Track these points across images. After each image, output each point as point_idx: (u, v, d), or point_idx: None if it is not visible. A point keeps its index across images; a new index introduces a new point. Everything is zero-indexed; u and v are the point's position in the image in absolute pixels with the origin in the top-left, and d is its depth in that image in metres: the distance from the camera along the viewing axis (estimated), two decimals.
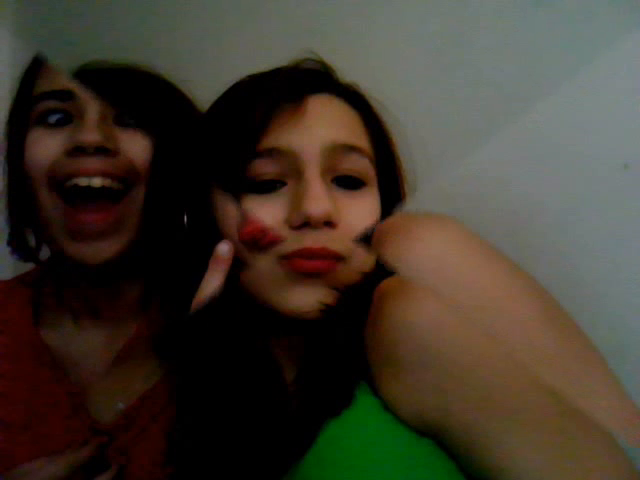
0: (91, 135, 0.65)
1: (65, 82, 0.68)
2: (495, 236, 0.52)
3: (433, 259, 0.48)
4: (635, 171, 0.60)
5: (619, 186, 0.61)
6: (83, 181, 0.66)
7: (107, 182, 0.67)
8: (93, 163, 0.65)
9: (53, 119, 0.68)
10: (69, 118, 0.68)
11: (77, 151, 0.65)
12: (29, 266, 0.81)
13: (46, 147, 0.67)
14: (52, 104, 0.68)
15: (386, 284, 0.53)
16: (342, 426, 0.51)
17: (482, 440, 0.47)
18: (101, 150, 0.65)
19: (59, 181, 0.67)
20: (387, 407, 0.51)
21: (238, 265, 0.57)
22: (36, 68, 0.72)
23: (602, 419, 0.45)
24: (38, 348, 0.74)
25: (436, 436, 0.49)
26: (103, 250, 0.67)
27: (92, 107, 0.67)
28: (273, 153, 0.57)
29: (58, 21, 0.77)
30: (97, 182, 0.66)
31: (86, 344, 0.76)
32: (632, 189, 0.61)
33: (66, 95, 0.68)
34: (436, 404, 0.48)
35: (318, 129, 0.58)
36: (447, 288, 0.48)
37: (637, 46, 0.61)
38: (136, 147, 0.68)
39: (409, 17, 0.74)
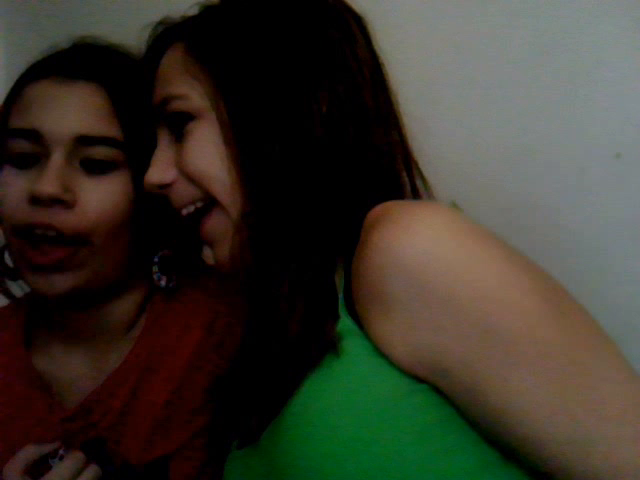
0: (46, 187, 0.64)
1: (35, 120, 0.67)
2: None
3: (421, 252, 0.45)
4: (627, 160, 0.61)
5: (611, 174, 0.62)
6: (39, 230, 0.66)
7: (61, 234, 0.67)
8: (45, 217, 0.66)
9: (22, 160, 0.68)
10: (37, 158, 0.68)
11: (34, 200, 0.66)
12: None
13: (12, 193, 0.67)
14: (21, 145, 0.68)
15: (376, 211, 0.50)
16: (326, 377, 0.48)
17: (485, 378, 0.44)
18: (56, 202, 0.65)
19: (21, 229, 0.67)
20: (380, 350, 0.47)
21: None
22: (14, 98, 0.71)
23: (616, 406, 0.44)
24: (29, 373, 0.73)
25: (434, 379, 0.46)
26: (58, 282, 0.67)
27: (57, 150, 0.66)
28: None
29: (50, 31, 0.76)
30: (52, 233, 0.66)
31: (76, 368, 0.75)
32: (624, 178, 0.61)
33: (33, 135, 0.67)
34: (433, 343, 0.45)
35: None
36: (438, 279, 0.45)
37: (627, 36, 0.62)
38: (96, 196, 0.67)
39: None
